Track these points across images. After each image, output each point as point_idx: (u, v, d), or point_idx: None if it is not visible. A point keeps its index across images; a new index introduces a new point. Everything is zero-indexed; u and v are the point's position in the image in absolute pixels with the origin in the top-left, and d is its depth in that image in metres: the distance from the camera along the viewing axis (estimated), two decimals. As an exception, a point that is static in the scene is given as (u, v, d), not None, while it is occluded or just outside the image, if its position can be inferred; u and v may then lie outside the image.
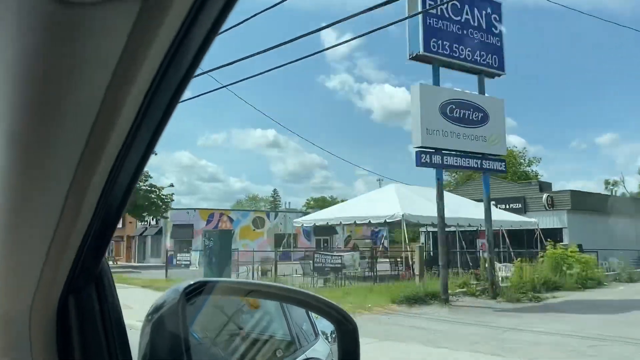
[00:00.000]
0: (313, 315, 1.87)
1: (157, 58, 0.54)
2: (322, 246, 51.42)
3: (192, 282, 1.14)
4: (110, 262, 23.05)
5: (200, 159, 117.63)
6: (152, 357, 0.98)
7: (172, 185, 50.13)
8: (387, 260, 24.79)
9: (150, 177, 41.67)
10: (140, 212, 40.81)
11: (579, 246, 20.46)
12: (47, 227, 0.66)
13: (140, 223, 47.84)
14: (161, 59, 0.55)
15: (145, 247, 52.15)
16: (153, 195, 41.69)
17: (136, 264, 46.78)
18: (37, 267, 0.69)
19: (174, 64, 0.56)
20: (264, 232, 51.35)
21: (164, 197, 43.47)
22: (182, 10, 0.51)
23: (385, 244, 42.83)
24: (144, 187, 39.91)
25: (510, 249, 22.64)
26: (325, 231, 50.01)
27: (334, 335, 1.63)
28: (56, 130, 0.56)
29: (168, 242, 47.03)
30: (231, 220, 50.39)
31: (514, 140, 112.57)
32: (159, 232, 48.98)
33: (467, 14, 15.07)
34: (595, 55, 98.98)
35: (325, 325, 1.74)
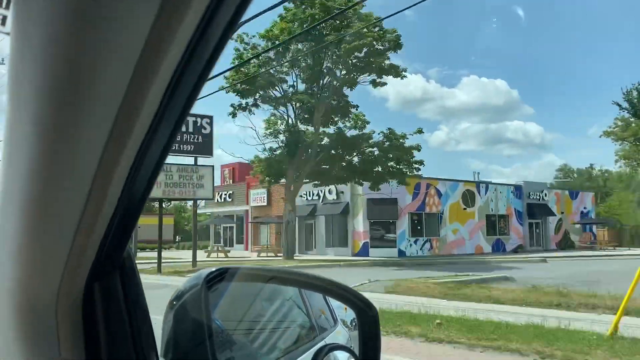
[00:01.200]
0: (332, 301, 1.87)
1: (179, 48, 0.54)
2: (534, 232, 40.61)
3: (213, 269, 1.15)
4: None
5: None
6: (175, 343, 0.99)
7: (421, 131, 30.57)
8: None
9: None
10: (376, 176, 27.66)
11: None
12: (72, 215, 0.66)
13: (306, 199, 35.39)
14: (183, 50, 0.55)
15: (315, 232, 36.64)
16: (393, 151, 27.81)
17: (305, 257, 32.15)
18: (63, 255, 0.70)
19: (196, 54, 0.57)
20: (474, 211, 37.26)
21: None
22: (203, 2, 0.51)
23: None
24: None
25: None
26: (539, 211, 39.50)
27: (354, 323, 1.63)
28: (81, 116, 0.57)
29: (361, 225, 33.30)
30: (439, 194, 35.65)
31: (531, 128, 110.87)
32: (344, 210, 33.88)
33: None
34: (616, 38, 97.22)
35: (344, 312, 1.75)
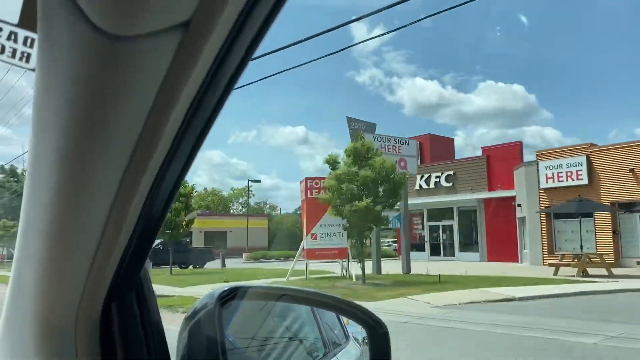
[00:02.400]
0: (343, 318, 1.89)
1: (195, 84, 0.58)
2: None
3: (226, 288, 1.18)
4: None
5: (231, 157, 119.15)
6: (189, 359, 1.02)
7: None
8: None
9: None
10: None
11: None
12: (92, 238, 0.69)
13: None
14: (198, 86, 0.58)
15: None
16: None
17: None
18: (83, 276, 0.73)
19: (211, 88, 0.60)
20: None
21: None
22: (220, 40, 0.54)
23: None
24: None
25: None
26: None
27: (366, 340, 1.64)
28: (102, 147, 0.60)
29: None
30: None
31: (549, 133, 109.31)
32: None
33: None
34: (632, 43, 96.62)
35: (356, 329, 1.76)
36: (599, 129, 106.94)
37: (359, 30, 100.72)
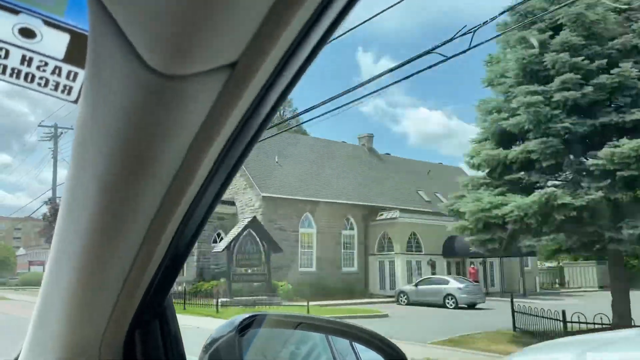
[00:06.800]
0: (357, 346, 1.86)
1: (233, 123, 0.58)
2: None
3: (246, 316, 1.18)
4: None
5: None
6: None
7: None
8: None
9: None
10: None
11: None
12: (122, 268, 0.69)
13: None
14: (236, 124, 0.59)
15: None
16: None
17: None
18: (110, 304, 0.72)
19: (246, 127, 0.60)
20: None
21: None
22: (261, 81, 0.54)
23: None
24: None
25: None
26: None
27: None
28: (141, 179, 0.61)
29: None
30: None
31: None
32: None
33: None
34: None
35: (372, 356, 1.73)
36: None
37: (366, 58, 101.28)
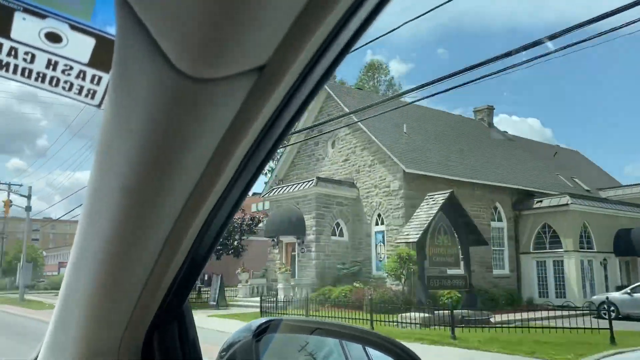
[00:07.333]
0: (370, 351, 1.85)
1: (259, 126, 0.58)
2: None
3: (262, 321, 1.18)
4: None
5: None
6: None
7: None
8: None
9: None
10: None
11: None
12: (143, 272, 0.69)
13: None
14: (261, 128, 0.59)
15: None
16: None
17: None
18: (129, 308, 0.73)
19: (272, 130, 0.60)
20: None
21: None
22: (289, 84, 0.54)
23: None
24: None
25: None
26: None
27: None
28: (165, 185, 0.60)
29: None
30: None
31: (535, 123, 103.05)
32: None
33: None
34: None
35: None
36: (614, 164, 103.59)
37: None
